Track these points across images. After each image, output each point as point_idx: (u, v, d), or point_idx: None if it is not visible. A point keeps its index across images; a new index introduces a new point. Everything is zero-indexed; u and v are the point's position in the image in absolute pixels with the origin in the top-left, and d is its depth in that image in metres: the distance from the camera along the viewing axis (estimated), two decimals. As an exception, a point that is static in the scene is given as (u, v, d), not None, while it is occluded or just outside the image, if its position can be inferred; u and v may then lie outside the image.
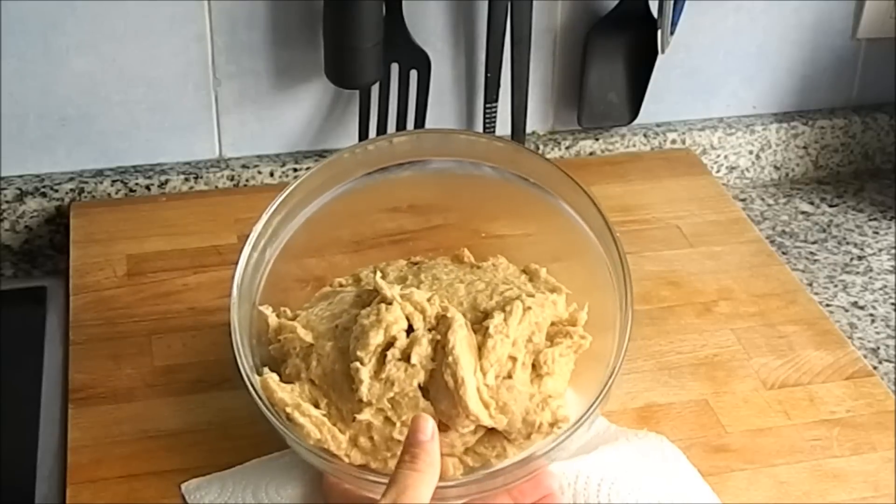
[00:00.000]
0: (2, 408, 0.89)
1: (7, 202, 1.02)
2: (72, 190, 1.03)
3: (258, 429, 0.78)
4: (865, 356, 0.90)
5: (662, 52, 1.07)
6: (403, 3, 1.01)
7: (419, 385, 0.72)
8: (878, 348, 0.94)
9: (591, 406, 0.71)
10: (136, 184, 1.04)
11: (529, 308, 0.75)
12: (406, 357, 0.72)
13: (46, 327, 0.96)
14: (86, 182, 1.04)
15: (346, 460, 0.72)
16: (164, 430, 0.80)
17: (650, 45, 1.07)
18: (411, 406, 0.72)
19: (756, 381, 0.86)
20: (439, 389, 0.72)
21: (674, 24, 1.04)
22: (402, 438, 0.71)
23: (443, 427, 0.72)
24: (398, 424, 0.72)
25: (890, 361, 0.92)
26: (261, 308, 0.78)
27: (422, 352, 0.72)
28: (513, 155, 0.82)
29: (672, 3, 1.03)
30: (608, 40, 1.08)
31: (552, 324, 0.78)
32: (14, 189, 1.02)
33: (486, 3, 1.02)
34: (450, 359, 0.71)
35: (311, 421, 0.72)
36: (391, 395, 0.71)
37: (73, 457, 0.78)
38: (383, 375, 0.72)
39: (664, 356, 0.88)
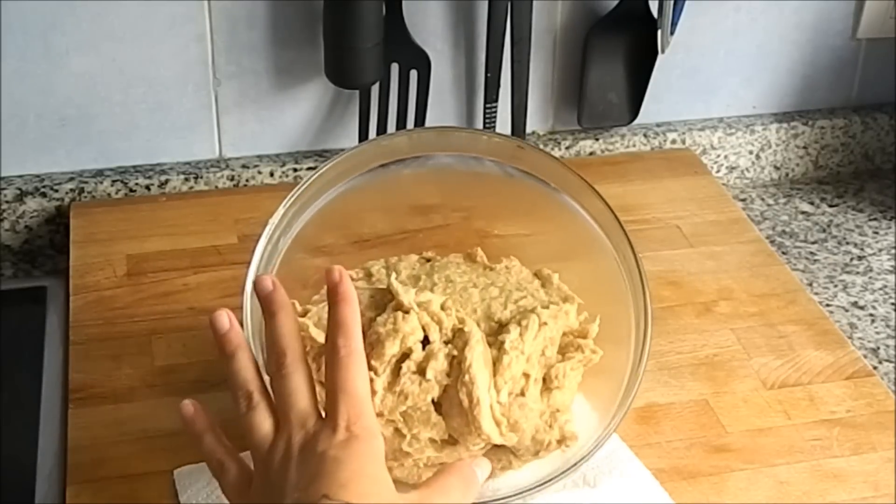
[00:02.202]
0: (2, 408, 0.89)
1: (7, 202, 1.02)
2: (72, 190, 1.03)
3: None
4: (865, 356, 0.90)
5: (662, 52, 1.07)
6: (403, 3, 1.01)
7: (432, 400, 0.72)
8: (878, 348, 0.94)
9: (600, 437, 0.73)
10: (136, 184, 1.04)
11: (545, 324, 0.75)
12: (421, 371, 0.72)
13: (46, 327, 0.96)
14: (86, 182, 1.04)
15: None
16: (164, 430, 0.80)
17: (650, 45, 1.07)
18: (423, 420, 0.72)
19: (756, 381, 0.86)
20: (452, 406, 0.71)
21: (674, 24, 1.04)
22: (412, 451, 0.72)
23: (452, 441, 0.73)
24: (408, 437, 0.72)
25: (890, 361, 0.92)
26: None
27: (437, 366, 0.72)
28: (517, 152, 0.82)
29: (672, 3, 1.03)
30: (608, 40, 1.08)
31: (563, 334, 0.78)
32: (14, 189, 1.02)
33: (486, 3, 1.02)
34: (466, 378, 0.71)
35: None
36: (403, 408, 0.71)
37: (73, 457, 0.78)
38: (397, 388, 0.71)
39: (664, 356, 0.88)
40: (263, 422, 0.66)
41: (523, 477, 0.76)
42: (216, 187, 1.06)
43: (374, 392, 0.71)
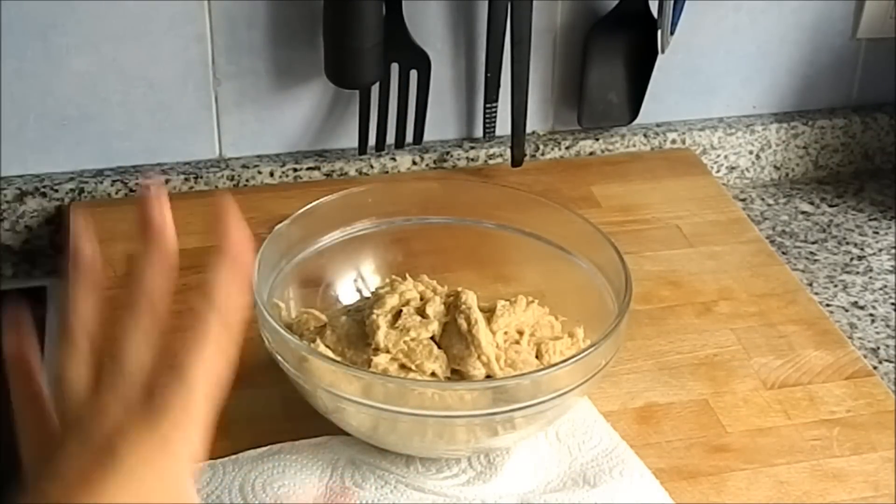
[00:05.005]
0: (2, 408, 0.89)
1: (7, 202, 1.02)
2: (72, 190, 1.03)
3: (258, 428, 0.79)
4: (865, 356, 0.90)
5: (662, 52, 1.07)
6: (403, 3, 1.01)
7: (433, 338, 0.77)
8: (878, 348, 0.94)
9: (611, 326, 0.74)
10: (137, 184, 1.04)
11: (533, 301, 0.80)
12: (421, 313, 0.77)
13: (46, 327, 0.96)
14: (86, 182, 1.04)
15: None
16: (164, 430, 0.80)
17: (650, 45, 1.07)
18: (425, 353, 0.75)
19: (756, 381, 0.86)
20: (452, 336, 0.76)
21: (674, 24, 1.04)
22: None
23: (456, 379, 0.76)
24: (413, 369, 0.75)
25: (890, 361, 0.92)
26: (275, 300, 0.80)
27: (436, 308, 0.77)
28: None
29: (672, 3, 1.03)
30: (608, 40, 1.08)
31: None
32: (14, 189, 1.02)
33: (486, 3, 1.02)
34: (463, 306, 0.76)
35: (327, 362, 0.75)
36: (407, 339, 0.75)
37: (73, 457, 0.78)
38: (399, 323, 0.76)
39: (664, 356, 0.88)
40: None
41: (520, 477, 0.76)
42: (216, 187, 1.06)
43: (377, 327, 0.76)
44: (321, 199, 0.84)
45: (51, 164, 1.04)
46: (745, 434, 0.81)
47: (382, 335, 0.75)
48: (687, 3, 1.04)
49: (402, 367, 0.75)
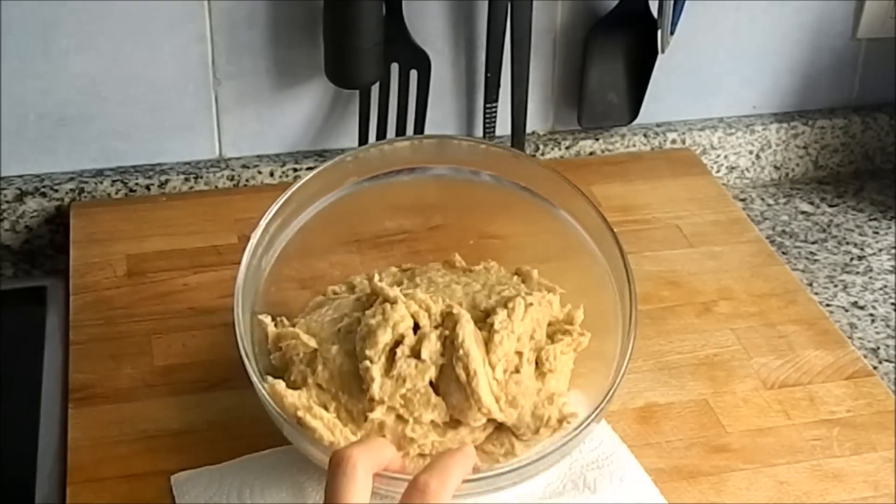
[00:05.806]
0: (2, 408, 0.89)
1: (7, 202, 1.02)
2: (72, 190, 1.03)
3: (258, 429, 0.79)
4: (865, 356, 0.91)
5: (662, 52, 1.07)
6: (403, 3, 1.01)
7: (430, 382, 0.73)
8: (878, 348, 0.94)
9: (602, 402, 0.72)
10: (136, 184, 1.04)
11: (531, 304, 0.77)
12: (416, 353, 0.73)
13: (46, 327, 0.96)
14: (86, 182, 1.04)
15: None
16: (164, 430, 0.80)
17: (650, 45, 1.07)
18: (423, 402, 0.72)
19: (756, 381, 0.86)
20: (450, 384, 0.72)
21: (674, 24, 1.04)
22: (416, 436, 0.72)
23: (454, 423, 0.73)
24: (411, 421, 0.72)
25: (890, 361, 0.92)
26: (260, 317, 0.78)
27: (431, 347, 0.73)
28: (510, 161, 0.83)
29: (672, 3, 1.03)
30: (608, 40, 1.08)
31: (549, 324, 0.79)
32: (14, 189, 1.02)
33: (486, 3, 1.02)
34: (460, 352, 0.72)
35: (324, 423, 0.72)
36: (403, 391, 0.72)
37: (73, 457, 0.78)
38: (394, 372, 0.72)
39: (664, 356, 0.88)
40: None
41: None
42: (216, 187, 1.06)
43: (371, 379, 0.72)
44: (293, 187, 0.80)
45: (51, 164, 1.04)
46: (745, 434, 0.81)
47: (377, 387, 0.72)
48: (687, 3, 1.04)
49: (399, 417, 0.72)
